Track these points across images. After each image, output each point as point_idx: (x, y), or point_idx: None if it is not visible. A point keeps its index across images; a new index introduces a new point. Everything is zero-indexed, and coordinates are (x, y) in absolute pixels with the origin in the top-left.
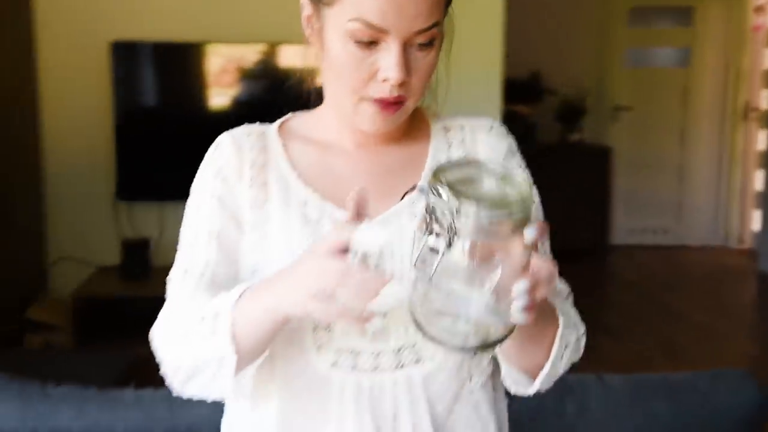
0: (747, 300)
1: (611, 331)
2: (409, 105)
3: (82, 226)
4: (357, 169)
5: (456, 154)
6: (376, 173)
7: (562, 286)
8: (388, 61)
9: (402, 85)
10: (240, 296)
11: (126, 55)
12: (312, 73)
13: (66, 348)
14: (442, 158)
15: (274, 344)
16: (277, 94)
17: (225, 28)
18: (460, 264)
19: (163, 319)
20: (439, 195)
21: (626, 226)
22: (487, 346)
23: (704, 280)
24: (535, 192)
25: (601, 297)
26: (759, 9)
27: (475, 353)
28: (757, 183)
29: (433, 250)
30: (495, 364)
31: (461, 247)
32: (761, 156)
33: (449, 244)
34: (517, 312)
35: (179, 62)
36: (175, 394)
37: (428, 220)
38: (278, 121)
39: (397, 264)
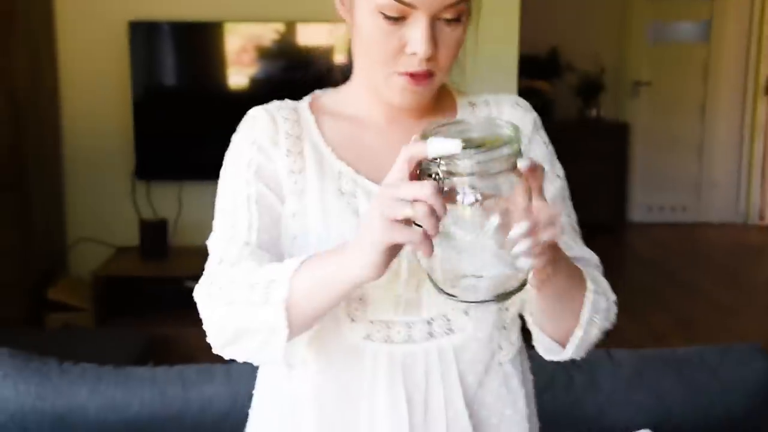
0: (767, 277)
1: (628, 309)
2: (438, 79)
3: (101, 206)
4: (388, 142)
5: None
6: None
7: (590, 255)
8: (416, 35)
9: (430, 59)
10: (299, 264)
11: (144, 34)
12: (330, 51)
13: (86, 328)
14: None
15: None
16: (295, 73)
17: (243, 6)
18: (460, 214)
19: (208, 279)
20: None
21: (645, 203)
22: (502, 296)
23: (723, 257)
24: (559, 168)
25: (618, 275)
26: None
27: (488, 303)
28: None
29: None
30: (523, 339)
31: (459, 195)
32: None
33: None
34: (521, 256)
35: (197, 42)
36: (214, 351)
37: (426, 179)
38: (308, 98)
39: None
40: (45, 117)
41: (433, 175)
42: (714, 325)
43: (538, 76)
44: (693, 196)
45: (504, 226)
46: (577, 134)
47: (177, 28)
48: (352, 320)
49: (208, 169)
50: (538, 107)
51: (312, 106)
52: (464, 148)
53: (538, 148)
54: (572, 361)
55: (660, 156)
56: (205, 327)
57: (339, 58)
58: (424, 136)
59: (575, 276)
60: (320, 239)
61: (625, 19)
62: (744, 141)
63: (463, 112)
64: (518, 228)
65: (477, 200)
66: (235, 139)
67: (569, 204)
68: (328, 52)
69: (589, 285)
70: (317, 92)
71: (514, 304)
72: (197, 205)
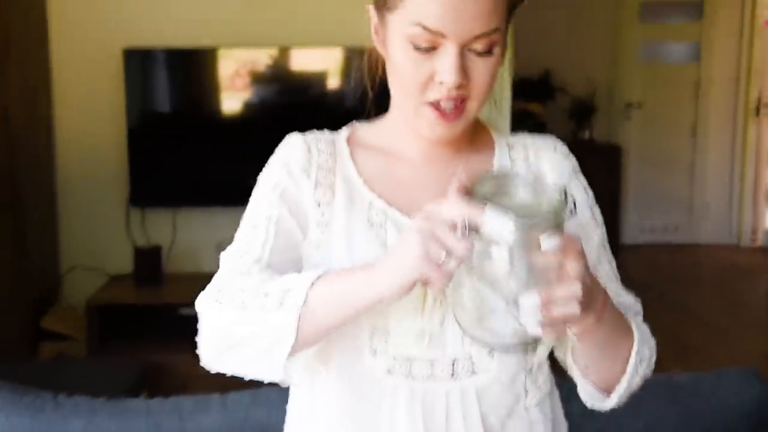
0: (760, 298)
1: None
2: (469, 112)
3: (95, 234)
4: (421, 178)
5: (520, 171)
6: (440, 181)
7: (632, 302)
8: (444, 64)
9: (459, 88)
10: (320, 277)
11: (139, 61)
12: (324, 76)
13: (79, 357)
14: None
15: (334, 347)
16: (289, 97)
17: (236, 33)
18: (491, 267)
19: (214, 287)
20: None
21: (637, 224)
22: (525, 345)
23: (716, 278)
24: (598, 214)
25: None
26: None
27: (512, 350)
28: None
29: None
30: (553, 384)
31: (493, 253)
32: None
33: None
34: (530, 324)
35: (192, 68)
36: (203, 363)
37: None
38: (346, 129)
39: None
40: (39, 144)
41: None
42: (707, 346)
43: (531, 99)
44: (685, 216)
45: (524, 290)
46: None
47: (171, 55)
48: (374, 353)
49: (203, 195)
50: (531, 130)
51: (349, 138)
52: (504, 207)
53: (578, 195)
54: (569, 389)
55: (652, 177)
56: (201, 334)
57: (333, 83)
58: (474, 186)
59: (620, 325)
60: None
61: (616, 41)
62: (735, 161)
63: (500, 152)
64: (528, 297)
65: (506, 259)
66: (270, 161)
67: (608, 250)
68: (322, 76)
69: (635, 334)
70: (356, 124)
71: (542, 348)
72: (192, 231)
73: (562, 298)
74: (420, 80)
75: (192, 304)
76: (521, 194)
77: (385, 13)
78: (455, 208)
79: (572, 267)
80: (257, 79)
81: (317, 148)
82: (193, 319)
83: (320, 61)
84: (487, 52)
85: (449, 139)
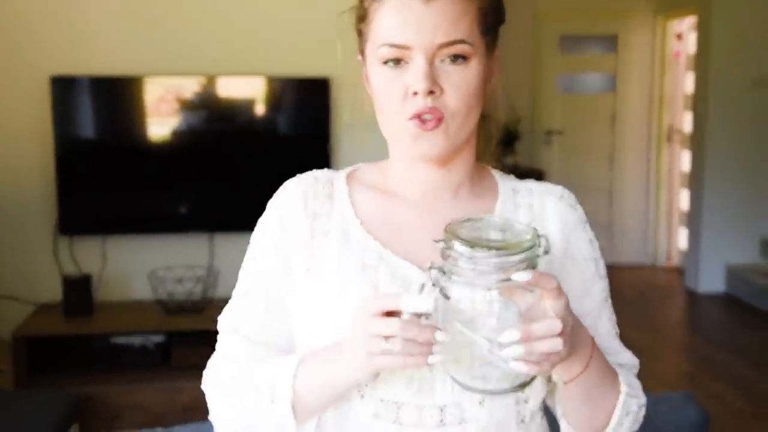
0: (676, 316)
1: None
2: (451, 126)
3: (22, 263)
4: (420, 220)
5: (524, 217)
6: (439, 225)
7: (629, 359)
8: (414, 73)
9: (433, 98)
10: (297, 367)
11: (66, 89)
12: (251, 103)
13: (6, 390)
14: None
15: None
16: (217, 125)
17: (163, 61)
18: (465, 310)
19: (214, 368)
20: (450, 246)
21: None
22: (512, 389)
23: (635, 298)
24: (602, 267)
25: None
26: (679, 35)
27: (499, 393)
28: (683, 202)
29: (445, 297)
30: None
31: (468, 292)
32: (685, 176)
33: (451, 291)
34: (511, 361)
35: (119, 95)
36: None
37: (440, 273)
38: (347, 169)
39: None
40: None
41: (446, 272)
42: None
43: None
44: (604, 239)
45: (500, 324)
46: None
47: (98, 82)
48: (362, 396)
49: (133, 222)
50: None
51: (348, 178)
52: (474, 247)
53: (584, 247)
54: None
55: None
56: (211, 418)
57: (259, 110)
58: (447, 231)
59: (608, 376)
60: (336, 313)
61: (536, 71)
62: (650, 186)
63: (504, 197)
64: (506, 335)
65: (485, 299)
66: (266, 209)
67: (610, 305)
68: (248, 104)
69: (623, 387)
70: (360, 164)
71: (534, 397)
72: (122, 259)
73: (541, 333)
74: (397, 96)
75: (123, 333)
76: (493, 236)
77: (364, 47)
78: (383, 298)
79: (550, 304)
80: (184, 106)
81: (314, 193)
82: (125, 348)
83: (246, 89)
84: (460, 59)
85: (436, 157)
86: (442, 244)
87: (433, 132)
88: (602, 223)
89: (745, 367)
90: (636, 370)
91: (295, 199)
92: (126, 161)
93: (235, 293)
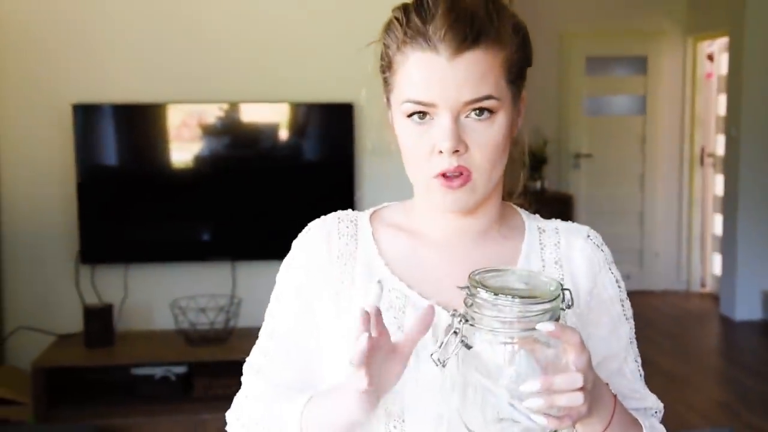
0: (711, 344)
1: None
2: (477, 182)
3: (43, 292)
4: (445, 261)
5: (549, 256)
6: (465, 267)
7: (653, 403)
8: (440, 132)
9: (460, 155)
10: (305, 406)
11: (88, 116)
12: (275, 128)
13: (27, 423)
14: (535, 259)
15: None
16: (240, 150)
17: (185, 88)
18: (487, 359)
19: (238, 409)
20: (474, 293)
21: None
22: None
23: (668, 325)
24: (628, 308)
25: None
26: (710, 56)
27: None
28: (716, 227)
29: (466, 347)
30: None
31: (489, 342)
32: (719, 200)
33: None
34: (533, 414)
35: (141, 122)
36: None
37: (463, 320)
38: (371, 209)
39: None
40: None
41: (468, 321)
42: (665, 394)
43: None
44: (636, 264)
45: (521, 377)
46: (523, 206)
47: (120, 110)
48: None
49: (155, 251)
50: None
51: (372, 218)
52: (498, 294)
53: (611, 287)
54: None
55: (603, 226)
56: None
57: (283, 136)
58: (471, 278)
59: (630, 428)
60: None
61: (563, 93)
62: (683, 210)
63: (530, 236)
64: (527, 385)
65: (506, 351)
66: (291, 251)
67: (635, 347)
68: (270, 131)
69: None
70: (385, 204)
71: None
72: (144, 288)
73: (562, 386)
74: (422, 152)
75: (145, 364)
76: (517, 286)
77: (389, 96)
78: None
79: (572, 359)
80: (207, 133)
81: (338, 233)
82: (146, 379)
83: (268, 115)
84: (485, 117)
85: (463, 210)
86: (465, 291)
87: (458, 189)
88: (633, 248)
89: None
90: (660, 415)
91: (319, 241)
92: (148, 189)
93: (261, 333)
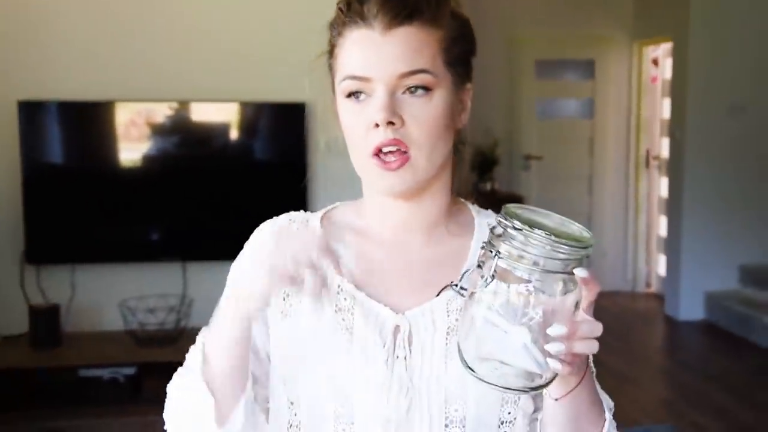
0: (656, 344)
1: None
2: (416, 159)
3: None
4: (395, 260)
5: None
6: (414, 266)
7: (607, 401)
8: (374, 105)
9: (394, 129)
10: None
11: (34, 114)
12: (226, 127)
13: None
14: None
15: None
16: (190, 150)
17: (134, 86)
18: (508, 297)
19: (173, 381)
20: (508, 226)
21: None
22: (522, 390)
23: (615, 325)
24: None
25: None
26: (655, 61)
27: (514, 395)
28: (661, 228)
29: (486, 280)
30: None
31: (513, 278)
32: (663, 202)
33: (499, 276)
34: (551, 358)
35: (89, 121)
36: None
37: (488, 254)
38: (323, 210)
39: (427, 358)
40: None
41: (494, 252)
42: (610, 391)
43: None
44: (584, 265)
45: (544, 325)
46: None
47: (67, 107)
48: None
49: (103, 251)
50: None
51: (323, 219)
52: (537, 231)
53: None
54: None
55: None
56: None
57: (234, 135)
58: (506, 208)
59: (596, 399)
60: (313, 358)
61: (513, 96)
62: (629, 211)
63: (480, 233)
64: (556, 328)
65: (528, 290)
66: (241, 252)
67: None
68: (224, 128)
69: (607, 414)
70: (336, 204)
71: (518, 429)
72: (91, 288)
73: (586, 333)
74: (361, 130)
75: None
76: (550, 223)
77: (333, 83)
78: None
79: (585, 307)
80: (156, 132)
81: (288, 235)
82: (94, 381)
83: (220, 115)
84: (421, 94)
85: (405, 193)
86: (497, 219)
87: (396, 169)
88: None
89: (724, 396)
90: (611, 413)
91: (269, 243)
92: (96, 188)
93: (202, 331)
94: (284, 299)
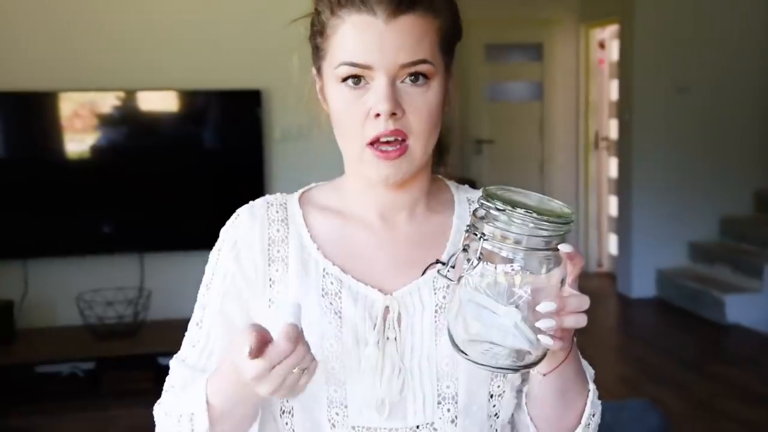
0: (610, 322)
1: None
2: (413, 151)
3: None
4: (378, 241)
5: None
6: (397, 246)
7: (587, 367)
8: (376, 94)
9: (395, 119)
10: (206, 386)
11: None
12: (176, 117)
13: None
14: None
15: (295, 421)
16: (139, 140)
17: (78, 76)
18: (495, 278)
19: (161, 401)
20: (491, 207)
21: None
22: (513, 368)
23: None
24: None
25: None
26: (602, 44)
27: (505, 374)
28: (612, 208)
29: (472, 263)
30: None
31: (499, 259)
32: (613, 183)
33: (485, 258)
34: (542, 335)
35: (31, 112)
36: None
37: (472, 237)
38: (300, 191)
39: (417, 337)
40: None
41: (479, 234)
42: None
43: None
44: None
45: (532, 303)
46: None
47: (9, 98)
48: (333, 426)
49: (56, 245)
50: None
51: (302, 200)
52: (519, 210)
53: None
54: None
55: None
56: None
57: (185, 124)
58: (487, 191)
59: (581, 374)
60: None
61: (465, 79)
62: (579, 192)
63: (460, 209)
64: (546, 305)
65: (514, 270)
66: (219, 239)
67: None
68: (175, 118)
69: (591, 385)
70: (312, 184)
71: (505, 410)
72: (46, 283)
73: (575, 307)
74: (356, 119)
75: (49, 361)
76: (531, 202)
77: (321, 64)
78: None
79: (570, 282)
80: (103, 122)
81: (268, 219)
82: (52, 378)
83: (169, 104)
84: (421, 80)
85: (398, 182)
86: (479, 201)
87: (395, 160)
88: None
89: (680, 370)
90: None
91: (248, 227)
92: (44, 180)
93: (189, 325)
94: (270, 286)
